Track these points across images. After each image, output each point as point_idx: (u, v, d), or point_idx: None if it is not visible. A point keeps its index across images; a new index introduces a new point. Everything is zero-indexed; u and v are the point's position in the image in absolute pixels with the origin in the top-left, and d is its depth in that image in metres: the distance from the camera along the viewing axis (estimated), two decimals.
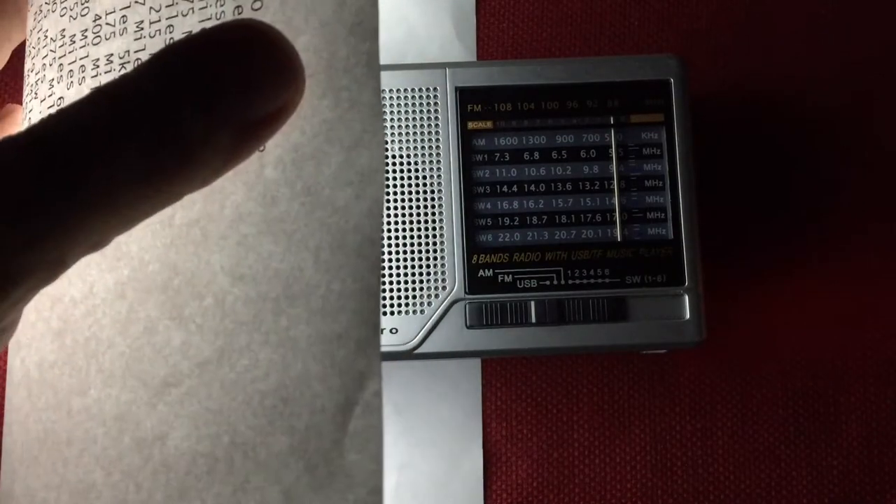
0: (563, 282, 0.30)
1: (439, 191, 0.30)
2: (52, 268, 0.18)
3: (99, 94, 0.18)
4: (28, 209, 0.17)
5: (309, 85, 0.21)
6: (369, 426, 0.19)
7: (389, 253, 0.30)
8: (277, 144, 0.21)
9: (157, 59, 0.18)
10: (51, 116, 0.18)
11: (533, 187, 0.31)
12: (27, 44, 0.27)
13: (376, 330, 0.20)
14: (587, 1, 0.38)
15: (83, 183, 0.17)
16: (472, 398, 0.37)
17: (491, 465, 0.37)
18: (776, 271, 0.35)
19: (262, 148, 0.21)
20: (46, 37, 0.26)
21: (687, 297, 0.30)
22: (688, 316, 0.30)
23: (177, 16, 0.23)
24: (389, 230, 0.30)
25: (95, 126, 0.17)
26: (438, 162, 0.30)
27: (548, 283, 0.30)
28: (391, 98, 0.31)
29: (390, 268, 0.30)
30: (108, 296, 0.23)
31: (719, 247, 0.32)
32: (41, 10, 0.27)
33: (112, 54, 0.24)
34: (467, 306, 0.30)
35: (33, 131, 0.17)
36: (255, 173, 0.21)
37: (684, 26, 0.37)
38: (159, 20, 0.23)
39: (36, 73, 0.27)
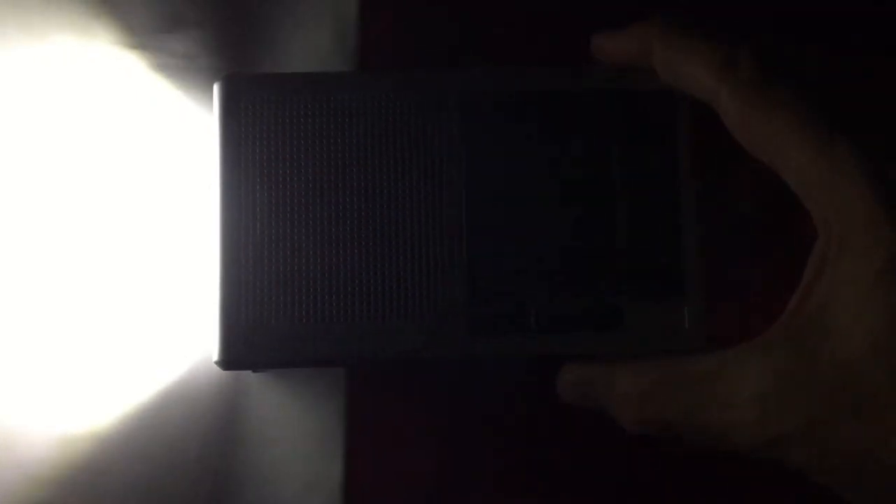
0: (559, 289, 0.30)
1: (439, 200, 0.30)
2: None
3: None
4: None
5: None
6: None
7: (391, 257, 0.30)
8: None
9: None
10: None
11: (528, 193, 0.31)
12: None
13: None
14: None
15: None
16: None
17: None
18: (785, 278, 0.34)
19: None
20: None
21: (686, 307, 0.30)
22: (687, 326, 0.30)
23: None
24: (390, 241, 0.30)
25: None
26: (440, 174, 0.30)
27: (545, 290, 0.30)
28: (394, 109, 0.31)
29: (392, 273, 0.30)
30: None
31: (724, 252, 0.32)
32: None
33: None
34: (467, 314, 0.30)
35: None
36: None
37: None
38: None
39: None
